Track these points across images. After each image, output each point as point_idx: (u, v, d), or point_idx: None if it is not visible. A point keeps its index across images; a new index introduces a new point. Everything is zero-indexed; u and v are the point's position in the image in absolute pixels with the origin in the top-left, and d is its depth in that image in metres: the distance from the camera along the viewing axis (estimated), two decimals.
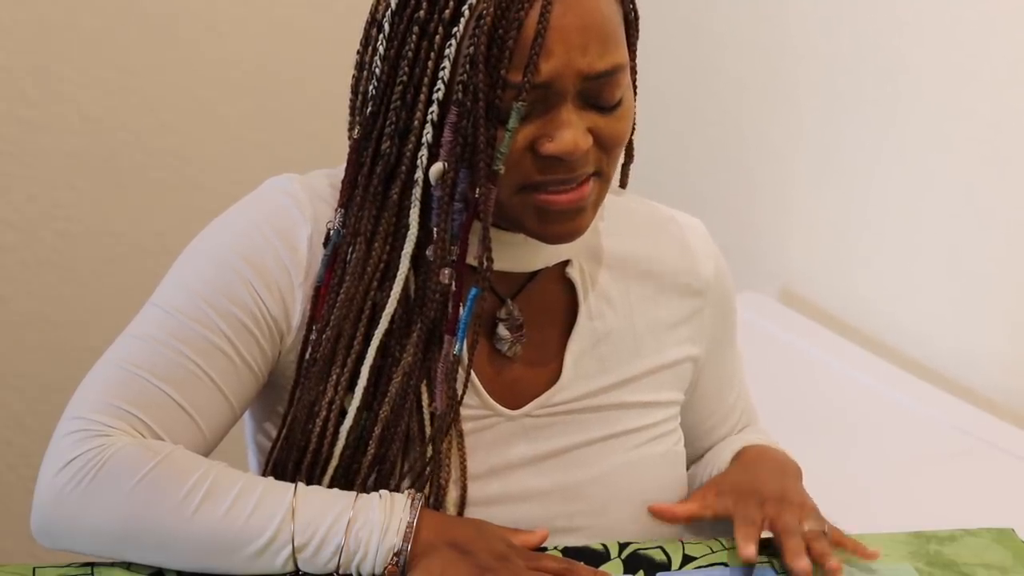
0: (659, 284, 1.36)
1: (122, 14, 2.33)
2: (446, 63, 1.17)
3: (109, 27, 2.32)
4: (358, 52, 1.24)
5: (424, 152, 1.19)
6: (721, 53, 2.96)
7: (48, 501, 1.17)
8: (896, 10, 2.61)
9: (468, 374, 1.24)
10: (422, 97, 1.19)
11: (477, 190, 1.18)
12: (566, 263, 1.32)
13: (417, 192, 1.21)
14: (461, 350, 1.22)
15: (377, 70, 1.21)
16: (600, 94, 1.19)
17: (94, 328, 2.33)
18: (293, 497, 1.17)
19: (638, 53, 1.28)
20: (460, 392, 1.24)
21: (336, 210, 1.24)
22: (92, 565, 1.19)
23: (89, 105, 2.33)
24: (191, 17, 2.38)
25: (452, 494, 1.26)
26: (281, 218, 1.25)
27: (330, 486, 1.23)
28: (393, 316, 1.22)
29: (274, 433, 1.28)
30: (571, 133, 1.17)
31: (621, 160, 1.35)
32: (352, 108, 1.25)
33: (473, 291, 1.21)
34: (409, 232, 1.21)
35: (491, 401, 1.28)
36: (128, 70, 2.35)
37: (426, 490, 1.24)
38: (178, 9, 2.37)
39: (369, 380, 1.22)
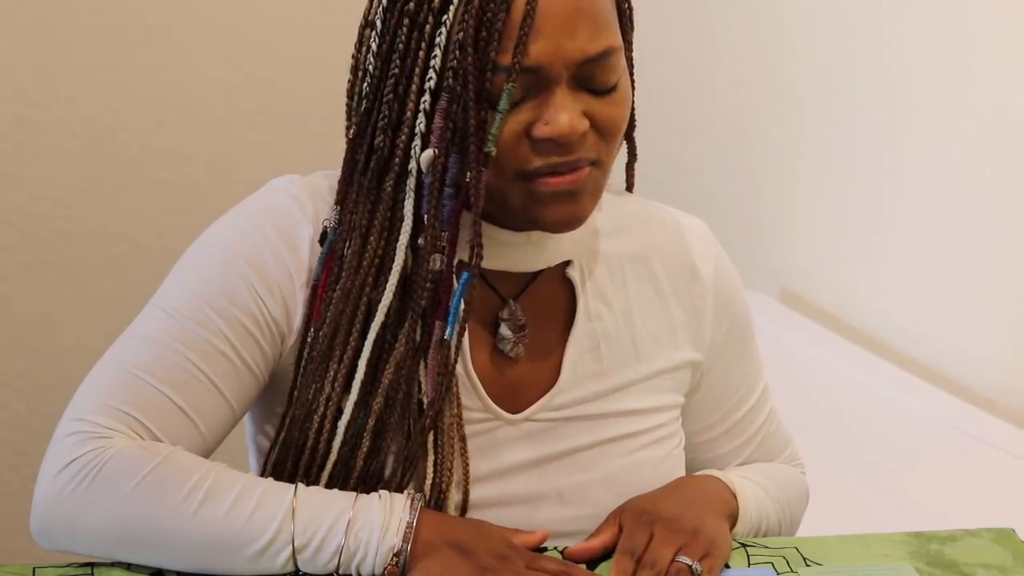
0: (658, 286, 1.36)
1: (122, 14, 2.33)
2: (437, 51, 1.17)
3: (109, 27, 2.32)
4: (353, 56, 1.24)
5: (417, 142, 1.20)
6: (723, 52, 2.97)
7: (48, 502, 1.17)
8: (897, 10, 2.61)
9: (457, 359, 1.23)
10: (414, 87, 1.19)
11: (468, 175, 1.18)
12: (567, 264, 1.32)
13: (411, 183, 1.21)
14: (452, 335, 1.22)
15: (371, 67, 1.22)
16: (594, 77, 1.19)
17: (94, 328, 2.33)
18: (293, 498, 1.17)
19: (641, 52, 1.28)
20: (452, 376, 1.23)
21: (332, 208, 1.24)
22: (92, 565, 1.19)
23: (89, 105, 2.34)
24: (191, 17, 2.38)
25: (454, 497, 1.26)
26: (283, 219, 1.25)
27: (329, 483, 1.23)
28: (389, 308, 1.22)
29: (274, 434, 1.28)
30: (566, 115, 1.17)
31: (624, 160, 1.35)
32: (348, 111, 1.25)
33: (464, 276, 1.21)
34: (404, 223, 1.21)
35: (492, 405, 1.28)
36: (128, 70, 2.35)
37: (427, 484, 1.24)
38: (178, 9, 2.37)
39: (366, 374, 1.22)
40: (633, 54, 1.27)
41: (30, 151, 2.31)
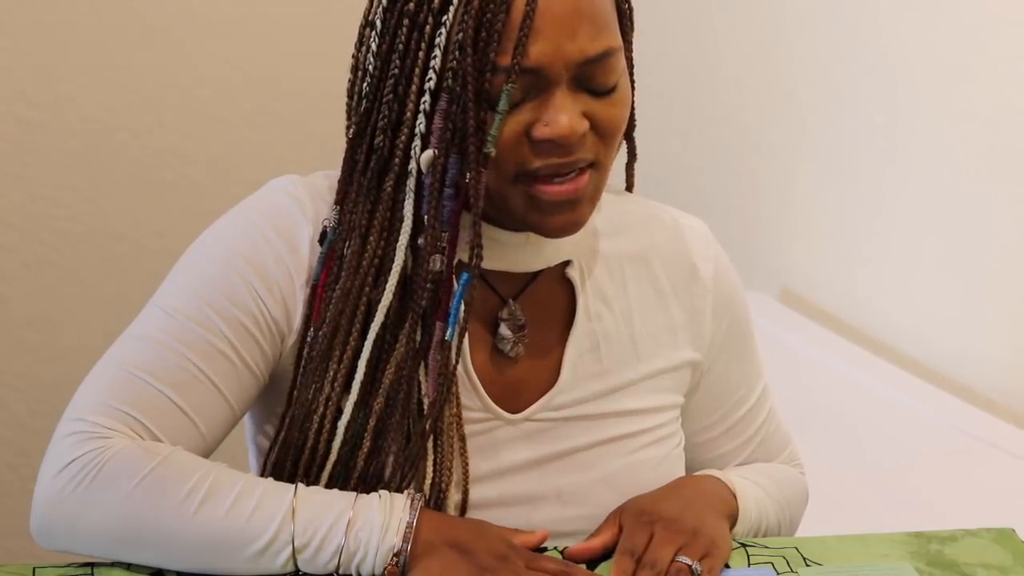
0: (658, 286, 1.36)
1: (122, 14, 2.33)
2: (436, 52, 1.17)
3: (109, 27, 2.32)
4: (353, 56, 1.24)
5: (417, 142, 1.20)
6: (724, 53, 2.97)
7: (48, 502, 1.17)
8: (898, 10, 2.61)
9: (458, 360, 1.23)
10: (413, 88, 1.19)
11: (468, 175, 1.18)
12: (567, 264, 1.32)
13: (411, 183, 1.21)
14: (452, 336, 1.22)
15: (370, 67, 1.22)
16: (594, 78, 1.19)
17: (94, 328, 2.34)
18: (293, 498, 1.17)
19: (641, 52, 1.28)
20: (453, 378, 1.23)
21: (332, 208, 1.24)
22: (92, 565, 1.19)
23: (89, 105, 2.34)
24: (191, 17, 2.38)
25: (454, 497, 1.26)
26: (283, 219, 1.25)
27: (329, 483, 1.23)
28: (389, 308, 1.22)
29: (274, 434, 1.28)
30: (566, 116, 1.17)
31: (624, 159, 1.35)
32: (348, 111, 1.25)
33: (464, 276, 1.21)
34: (404, 223, 1.21)
35: (492, 404, 1.28)
36: (128, 70, 2.35)
37: (426, 484, 1.24)
38: (178, 9, 2.37)
39: (366, 375, 1.22)
40: (633, 54, 1.27)
41: (30, 151, 2.31)
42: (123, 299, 2.28)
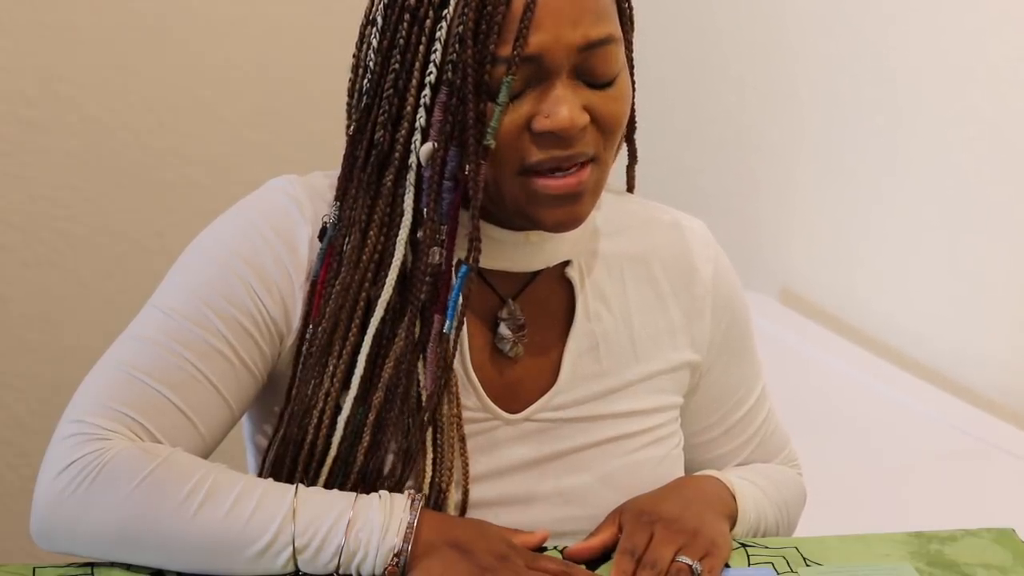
0: (658, 287, 1.36)
1: (122, 14, 2.33)
2: (437, 45, 1.18)
3: (109, 27, 2.32)
4: (354, 55, 1.25)
5: (417, 136, 1.20)
6: (724, 53, 2.97)
7: (47, 504, 1.17)
8: (898, 12, 2.61)
9: (455, 351, 1.23)
10: (414, 82, 1.19)
11: (467, 168, 1.18)
12: (566, 264, 1.32)
13: (411, 177, 1.21)
14: (451, 328, 1.22)
15: (371, 63, 1.22)
16: (594, 68, 1.19)
17: (94, 328, 2.33)
18: (294, 498, 1.17)
19: (642, 52, 1.28)
20: (450, 370, 1.23)
21: (332, 204, 1.24)
22: (92, 565, 1.19)
23: (89, 105, 2.33)
24: (191, 17, 2.38)
25: (454, 497, 1.26)
26: (281, 219, 1.25)
27: (328, 479, 1.23)
28: (389, 303, 1.22)
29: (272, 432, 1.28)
30: (567, 108, 1.17)
31: (624, 160, 1.35)
32: (349, 109, 1.26)
33: (463, 269, 1.21)
34: (404, 217, 1.22)
35: (491, 404, 1.28)
36: (128, 70, 2.35)
37: (426, 483, 1.24)
38: (178, 9, 2.37)
39: (365, 370, 1.22)
40: (634, 54, 1.27)
41: (30, 151, 2.31)
42: (123, 299, 2.28)
